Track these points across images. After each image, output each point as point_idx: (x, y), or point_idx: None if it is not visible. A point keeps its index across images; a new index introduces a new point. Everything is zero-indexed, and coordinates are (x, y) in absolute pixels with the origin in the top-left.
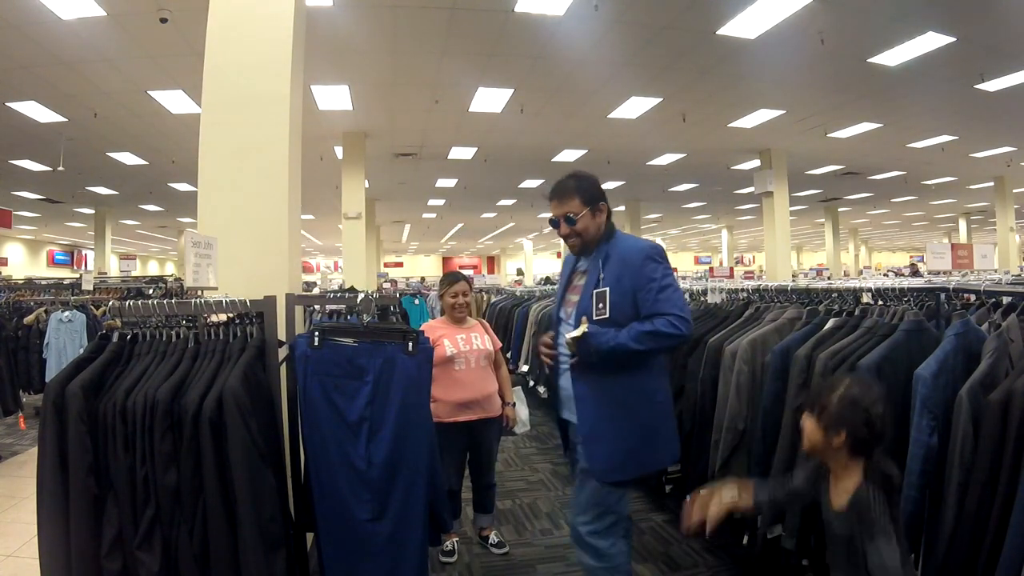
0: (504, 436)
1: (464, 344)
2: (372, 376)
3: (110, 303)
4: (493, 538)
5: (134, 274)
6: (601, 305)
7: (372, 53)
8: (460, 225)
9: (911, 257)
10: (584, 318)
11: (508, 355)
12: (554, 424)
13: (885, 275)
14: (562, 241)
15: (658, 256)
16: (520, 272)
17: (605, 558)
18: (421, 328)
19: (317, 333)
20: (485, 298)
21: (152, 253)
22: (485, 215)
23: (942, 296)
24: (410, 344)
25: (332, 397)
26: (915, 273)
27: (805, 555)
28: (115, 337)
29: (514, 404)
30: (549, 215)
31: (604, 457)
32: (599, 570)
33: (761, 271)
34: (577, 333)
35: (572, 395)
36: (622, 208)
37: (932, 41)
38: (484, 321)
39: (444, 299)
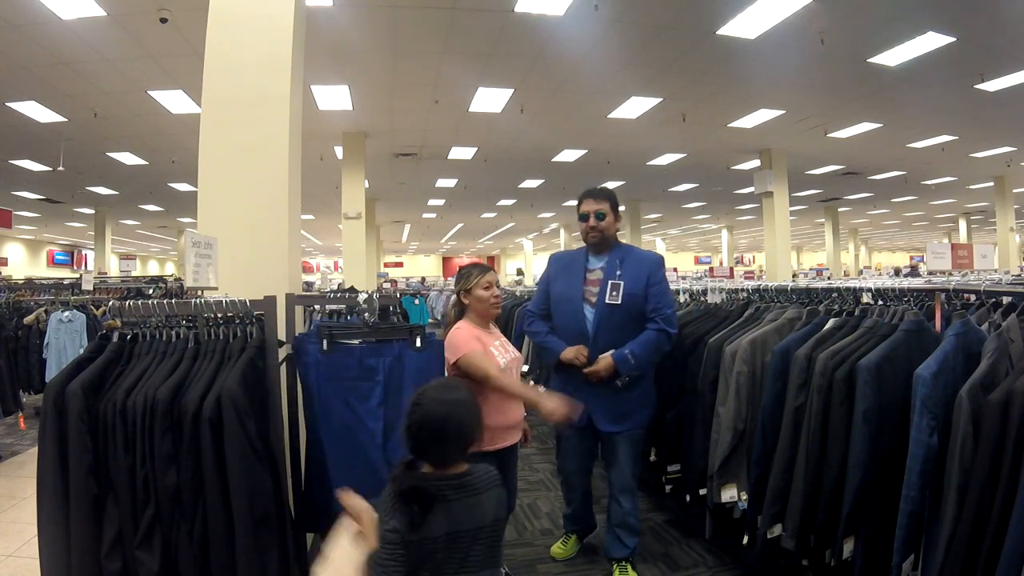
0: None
1: (504, 353)
2: (383, 376)
3: (110, 303)
4: None
5: (134, 274)
6: (615, 293)
7: (372, 53)
8: (460, 225)
9: (911, 257)
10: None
11: None
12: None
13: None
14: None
15: (664, 265)
16: (520, 272)
17: (636, 533)
18: (453, 332)
19: (326, 338)
20: None
21: (152, 253)
22: (485, 215)
23: (941, 297)
24: (417, 340)
25: (349, 400)
26: (908, 271)
27: (805, 555)
28: (115, 337)
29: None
30: (578, 208)
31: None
32: (635, 544)
33: (761, 271)
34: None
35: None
36: (622, 208)
37: (932, 41)
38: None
39: (474, 292)
